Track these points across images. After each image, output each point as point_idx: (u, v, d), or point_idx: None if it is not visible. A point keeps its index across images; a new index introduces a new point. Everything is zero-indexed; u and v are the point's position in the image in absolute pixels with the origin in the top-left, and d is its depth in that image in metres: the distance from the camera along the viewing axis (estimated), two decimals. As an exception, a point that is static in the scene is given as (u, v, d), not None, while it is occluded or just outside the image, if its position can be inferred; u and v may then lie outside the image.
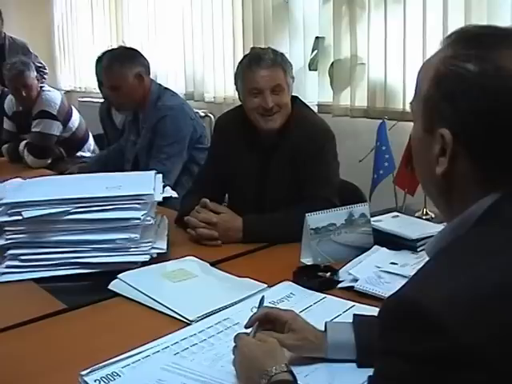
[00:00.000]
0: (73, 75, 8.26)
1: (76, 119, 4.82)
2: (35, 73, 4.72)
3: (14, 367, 1.65)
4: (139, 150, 3.69)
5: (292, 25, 4.85)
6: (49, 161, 4.60)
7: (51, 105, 4.64)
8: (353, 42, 4.36)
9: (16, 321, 1.87)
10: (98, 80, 4.43)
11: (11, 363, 1.67)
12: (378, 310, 1.02)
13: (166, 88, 3.78)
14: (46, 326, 1.87)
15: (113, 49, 3.82)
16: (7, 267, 2.23)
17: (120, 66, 3.58)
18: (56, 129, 4.64)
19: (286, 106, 2.61)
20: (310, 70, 4.71)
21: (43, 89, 4.76)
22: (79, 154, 4.82)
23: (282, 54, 2.65)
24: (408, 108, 4.03)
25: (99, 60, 4.27)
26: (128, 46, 4.06)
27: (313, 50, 4.66)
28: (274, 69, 2.58)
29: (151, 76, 3.72)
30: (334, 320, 1.67)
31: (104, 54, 3.87)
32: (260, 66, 2.58)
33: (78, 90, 7.87)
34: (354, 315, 1.54)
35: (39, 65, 6.19)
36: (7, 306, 2.08)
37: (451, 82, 1.07)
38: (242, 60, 2.69)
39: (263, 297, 1.73)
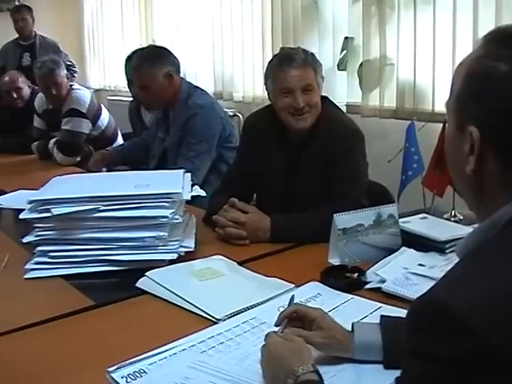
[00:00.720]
0: (102, 74, 8.31)
1: (105, 117, 4.83)
2: (65, 71, 4.75)
3: (42, 362, 1.66)
4: (168, 148, 3.70)
5: (321, 25, 4.84)
6: (78, 158, 4.61)
7: (81, 103, 4.66)
8: (382, 42, 4.35)
9: (45, 316, 1.89)
10: (128, 79, 4.46)
11: (39, 358, 1.69)
12: (405, 311, 1.02)
13: (196, 86, 3.79)
14: (74, 322, 1.89)
15: (143, 48, 3.84)
16: (36, 263, 2.26)
17: (149, 65, 3.59)
18: (85, 127, 4.66)
19: (316, 105, 2.61)
20: (339, 70, 4.70)
21: (73, 87, 4.78)
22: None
23: (312, 54, 2.64)
24: (437, 109, 4.02)
25: (129, 59, 4.29)
26: (158, 44, 4.07)
27: (342, 50, 4.66)
28: (304, 68, 2.58)
29: (181, 75, 3.73)
30: (361, 321, 1.67)
31: (134, 53, 3.88)
32: (291, 65, 2.57)
33: (108, 88, 7.92)
34: (382, 316, 1.54)
35: (69, 63, 6.25)
36: (36, 301, 2.11)
37: (480, 80, 1.06)
38: (271, 60, 2.69)
39: (293, 296, 1.73)
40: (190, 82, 3.79)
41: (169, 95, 3.63)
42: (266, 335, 1.48)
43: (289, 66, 2.58)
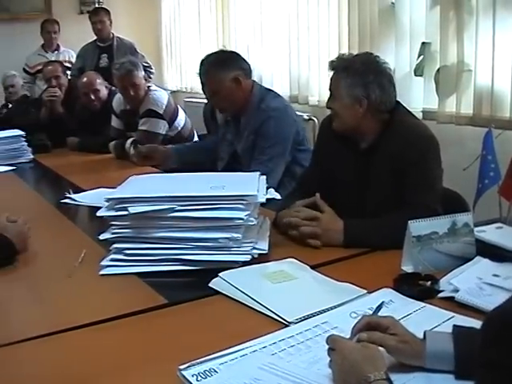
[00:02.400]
0: (179, 75, 8.40)
1: (182, 119, 4.88)
2: (143, 72, 4.82)
3: (113, 357, 1.70)
4: (241, 152, 3.72)
5: (398, 29, 4.80)
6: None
7: (158, 104, 4.72)
8: (460, 47, 4.29)
9: (118, 313, 1.94)
10: (201, 82, 4.50)
11: (111, 353, 1.73)
12: (478, 322, 1.02)
13: (269, 89, 3.80)
14: (146, 319, 1.93)
15: (212, 53, 3.86)
16: (112, 260, 2.30)
17: (216, 71, 3.64)
18: (162, 128, 4.72)
19: (336, 113, 2.67)
20: (415, 75, 4.66)
21: (150, 88, 4.85)
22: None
23: (344, 62, 2.65)
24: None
25: (202, 63, 4.34)
26: (229, 48, 4.10)
27: (419, 56, 4.61)
28: (332, 74, 2.67)
29: (256, 78, 3.75)
30: (434, 330, 1.65)
31: (204, 59, 3.91)
32: (329, 67, 2.69)
33: (184, 90, 8.01)
34: (454, 326, 1.52)
35: (146, 65, 6.35)
36: (110, 298, 2.16)
37: None
38: None
39: (382, 303, 1.73)
40: (262, 85, 3.81)
41: (239, 99, 3.66)
42: (330, 338, 1.48)
43: (329, 68, 2.67)
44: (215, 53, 3.85)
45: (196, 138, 5.02)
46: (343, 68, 2.61)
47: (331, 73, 2.69)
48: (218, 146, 3.99)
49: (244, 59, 3.78)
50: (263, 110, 3.59)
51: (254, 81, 3.82)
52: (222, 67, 3.63)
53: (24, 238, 2.56)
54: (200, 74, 3.78)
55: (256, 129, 3.59)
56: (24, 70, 7.63)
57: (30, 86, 7.60)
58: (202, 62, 3.79)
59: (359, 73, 2.60)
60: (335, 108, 2.66)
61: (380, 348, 1.45)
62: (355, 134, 2.67)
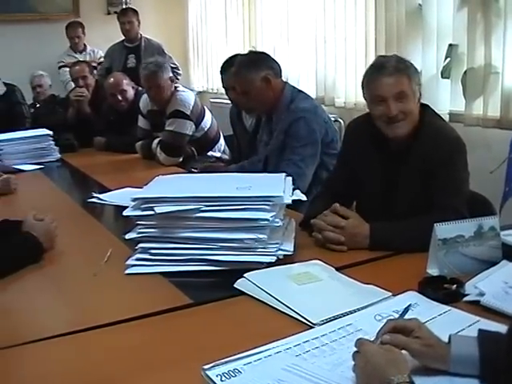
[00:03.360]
0: (205, 76, 8.42)
1: (208, 120, 4.88)
2: (170, 74, 4.81)
3: (137, 356, 1.72)
4: (270, 152, 3.73)
5: (425, 31, 4.77)
6: (180, 159, 4.68)
7: (185, 105, 4.72)
8: (487, 50, 4.25)
9: (143, 312, 1.95)
10: (224, 86, 4.50)
11: (135, 352, 1.74)
12: (503, 326, 1.01)
13: (299, 90, 3.80)
14: (171, 318, 1.94)
15: (241, 54, 3.88)
16: (137, 260, 2.32)
17: (246, 71, 3.66)
18: (189, 128, 4.72)
19: (411, 113, 2.57)
20: (442, 77, 4.63)
21: (177, 89, 4.84)
22: (210, 153, 4.89)
23: (405, 61, 2.61)
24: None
25: (223, 68, 4.36)
26: (258, 49, 4.10)
27: (446, 58, 4.59)
28: (396, 75, 2.55)
29: (283, 79, 3.75)
30: (459, 333, 1.65)
31: (226, 62, 3.91)
32: (383, 73, 2.56)
33: (210, 91, 8.03)
34: (480, 330, 1.51)
35: (173, 66, 6.37)
36: (135, 297, 2.17)
37: None
38: (367, 68, 2.69)
39: (409, 305, 1.72)
40: (293, 86, 3.81)
41: (269, 99, 3.66)
42: (357, 341, 1.48)
43: (381, 73, 2.57)
44: (245, 54, 3.86)
45: (222, 139, 5.02)
46: (408, 66, 2.60)
47: (360, 75, 2.67)
48: (257, 148, 4.00)
49: (274, 59, 3.79)
50: (292, 111, 3.59)
51: (286, 82, 3.83)
52: (253, 67, 3.65)
53: (51, 236, 2.59)
54: (224, 77, 3.80)
55: (285, 129, 3.59)
56: (60, 67, 7.64)
57: None
58: (229, 63, 3.81)
59: (415, 70, 2.63)
60: (409, 108, 2.57)
61: (403, 351, 1.44)
62: (407, 136, 2.63)
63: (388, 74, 2.55)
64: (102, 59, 7.73)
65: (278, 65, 3.77)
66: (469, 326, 1.73)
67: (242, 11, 7.35)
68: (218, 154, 4.93)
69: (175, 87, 4.86)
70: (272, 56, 3.83)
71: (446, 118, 4.33)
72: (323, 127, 3.60)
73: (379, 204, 2.66)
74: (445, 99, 4.61)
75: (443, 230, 2.15)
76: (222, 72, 4.31)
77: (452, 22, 4.52)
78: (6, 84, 6.49)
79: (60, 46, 7.80)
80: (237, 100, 4.24)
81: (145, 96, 5.07)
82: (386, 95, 2.55)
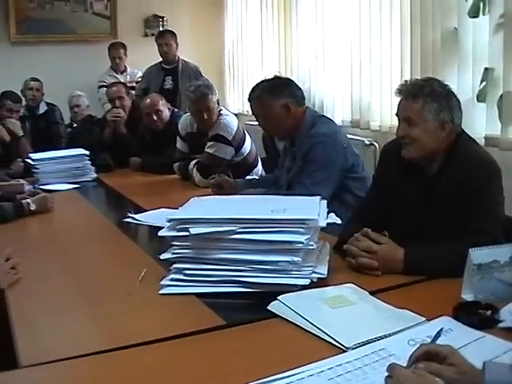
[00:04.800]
0: (241, 99, 8.45)
1: (248, 145, 4.87)
2: (217, 96, 4.83)
3: (170, 377, 1.73)
4: (291, 177, 3.75)
5: (461, 55, 4.74)
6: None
7: (228, 130, 4.73)
8: (524, 74, 4.23)
9: (176, 332, 1.96)
10: (253, 113, 4.52)
11: (169, 373, 1.75)
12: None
13: (321, 115, 3.84)
14: (204, 339, 1.95)
15: (265, 79, 3.90)
16: (172, 280, 2.34)
17: (267, 97, 3.72)
18: (228, 154, 4.73)
19: (417, 139, 2.57)
20: (477, 101, 4.60)
21: (221, 112, 4.85)
22: (248, 177, 4.82)
23: (424, 87, 2.59)
24: None
25: (251, 94, 4.37)
26: (290, 72, 4.12)
27: (481, 81, 4.57)
28: (407, 100, 2.60)
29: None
30: (493, 360, 1.63)
31: (255, 87, 3.94)
32: (399, 94, 2.64)
33: (246, 113, 8.06)
34: (515, 357, 1.50)
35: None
36: (169, 317, 2.19)
37: None
38: None
39: (441, 329, 1.71)
40: (315, 111, 3.86)
41: (289, 126, 3.71)
42: (390, 367, 1.48)
43: (400, 94, 2.64)
44: (268, 80, 3.88)
45: (260, 164, 5.01)
46: (427, 93, 2.56)
47: (397, 98, 2.67)
48: (279, 174, 4.01)
49: (297, 86, 3.84)
50: (312, 136, 3.62)
51: (308, 106, 3.86)
52: (273, 94, 3.70)
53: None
54: (250, 100, 3.84)
55: (305, 154, 3.63)
56: (102, 86, 7.73)
57: None
58: (254, 88, 3.84)
59: (443, 96, 2.58)
60: (414, 134, 2.58)
61: (437, 379, 1.43)
62: (425, 161, 2.63)
63: (403, 95, 2.62)
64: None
65: (301, 92, 3.81)
66: (504, 352, 1.71)
67: (278, 34, 7.38)
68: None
69: (219, 110, 4.87)
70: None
71: (482, 142, 4.29)
72: (342, 153, 3.62)
73: (412, 228, 2.64)
74: (480, 123, 4.58)
75: (478, 255, 2.13)
76: (249, 100, 4.34)
77: (488, 46, 4.50)
78: (47, 103, 6.62)
79: (98, 67, 7.89)
80: (263, 126, 4.25)
81: (183, 118, 5.11)
82: (399, 116, 2.64)
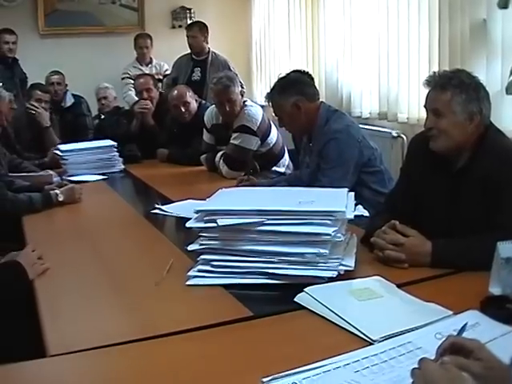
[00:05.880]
0: (268, 90, 8.41)
1: (274, 135, 4.87)
2: (240, 88, 4.84)
3: (197, 367, 1.74)
4: (309, 174, 3.77)
5: (489, 46, 4.70)
6: (242, 173, 4.64)
7: (252, 121, 4.73)
8: (553, 65, 4.19)
9: (203, 323, 1.98)
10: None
11: (195, 363, 1.77)
12: None
13: (335, 110, 3.83)
14: (231, 330, 1.96)
15: (279, 78, 3.90)
16: (199, 271, 2.35)
17: (277, 97, 3.77)
18: (254, 144, 4.73)
19: (445, 131, 2.55)
20: (507, 94, 4.56)
21: (246, 103, 4.86)
22: (274, 168, 4.88)
23: (453, 78, 2.57)
24: None
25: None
26: (300, 69, 4.08)
27: (510, 74, 4.52)
28: (435, 91, 2.57)
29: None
30: (521, 355, 1.62)
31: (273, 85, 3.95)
32: (428, 85, 2.62)
33: (272, 105, 8.06)
34: (543, 352, 1.49)
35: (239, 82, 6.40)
36: (196, 308, 2.20)
37: None
38: None
39: (466, 324, 1.70)
40: (329, 105, 3.84)
41: (302, 123, 3.74)
42: (420, 360, 1.47)
43: (427, 85, 2.63)
44: (280, 78, 3.89)
45: (286, 155, 5.01)
46: (456, 84, 2.54)
47: (425, 90, 2.65)
48: (300, 170, 4.03)
49: (308, 83, 3.83)
50: (325, 133, 3.64)
51: (322, 102, 3.87)
52: (283, 93, 3.74)
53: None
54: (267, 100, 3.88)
55: (319, 151, 3.65)
56: (125, 78, 7.76)
57: None
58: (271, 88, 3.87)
59: (472, 87, 2.55)
60: (442, 126, 2.56)
61: (464, 374, 1.42)
62: (453, 153, 2.61)
63: (432, 87, 2.60)
64: (167, 72, 7.81)
65: (313, 88, 3.82)
66: (532, 347, 1.70)
67: (306, 25, 7.36)
68: (282, 170, 4.90)
69: (244, 101, 4.87)
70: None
71: (510, 135, 4.26)
72: (356, 147, 3.62)
73: (440, 221, 2.63)
74: (509, 116, 4.54)
75: (506, 248, 2.11)
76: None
77: (517, 38, 4.47)
78: (74, 96, 6.66)
79: (125, 59, 7.92)
80: (280, 124, 4.25)
81: (209, 110, 5.12)
82: (427, 107, 2.62)
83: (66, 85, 6.71)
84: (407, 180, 2.83)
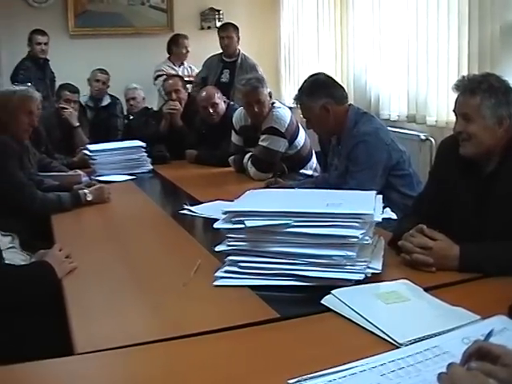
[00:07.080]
0: (296, 92, 8.41)
1: (302, 138, 4.86)
2: (268, 89, 4.84)
3: (223, 368, 1.75)
4: (337, 177, 3.76)
5: (520, 50, 4.69)
6: (270, 175, 4.65)
7: (281, 122, 4.73)
8: None
9: (230, 324, 1.99)
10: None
11: (221, 364, 1.77)
12: None
13: (364, 112, 3.83)
14: (258, 332, 1.97)
15: (307, 80, 3.89)
16: (226, 272, 2.36)
17: (305, 100, 3.77)
18: (282, 146, 4.72)
19: (475, 136, 2.53)
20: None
21: (274, 105, 4.85)
22: (302, 171, 4.87)
23: (482, 82, 2.54)
24: None
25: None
26: (326, 73, 4.07)
27: (541, 81, 4.49)
28: (464, 96, 2.56)
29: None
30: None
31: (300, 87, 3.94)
32: (457, 90, 2.60)
33: (301, 107, 8.06)
34: None
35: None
36: (223, 308, 2.20)
37: None
38: None
39: (492, 330, 1.70)
40: (357, 108, 3.83)
41: (331, 126, 3.73)
42: (449, 365, 1.46)
43: (456, 90, 2.61)
44: (309, 80, 3.88)
45: (314, 158, 5.00)
46: (485, 88, 2.52)
47: (454, 93, 2.64)
48: (328, 172, 4.02)
49: (336, 85, 3.83)
50: (354, 136, 3.63)
51: (351, 104, 3.86)
52: (311, 96, 3.73)
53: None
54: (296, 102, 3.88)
55: (348, 154, 3.64)
56: (161, 75, 7.75)
57: None
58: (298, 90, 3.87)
59: (502, 92, 2.54)
60: (471, 130, 2.54)
61: (491, 380, 1.41)
62: (482, 158, 2.60)
63: (461, 91, 2.59)
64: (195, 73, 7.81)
65: (341, 91, 3.81)
66: (561, 353, 1.69)
67: (335, 28, 7.34)
68: (309, 172, 4.89)
69: (272, 103, 4.87)
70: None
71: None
72: (385, 150, 3.60)
73: (468, 226, 2.61)
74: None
75: (535, 254, 2.10)
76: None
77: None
78: (110, 96, 6.74)
79: (154, 60, 7.92)
80: (308, 127, 4.24)
81: (238, 112, 5.13)
82: (456, 112, 2.60)
83: (108, 86, 6.79)
84: (436, 184, 2.81)
